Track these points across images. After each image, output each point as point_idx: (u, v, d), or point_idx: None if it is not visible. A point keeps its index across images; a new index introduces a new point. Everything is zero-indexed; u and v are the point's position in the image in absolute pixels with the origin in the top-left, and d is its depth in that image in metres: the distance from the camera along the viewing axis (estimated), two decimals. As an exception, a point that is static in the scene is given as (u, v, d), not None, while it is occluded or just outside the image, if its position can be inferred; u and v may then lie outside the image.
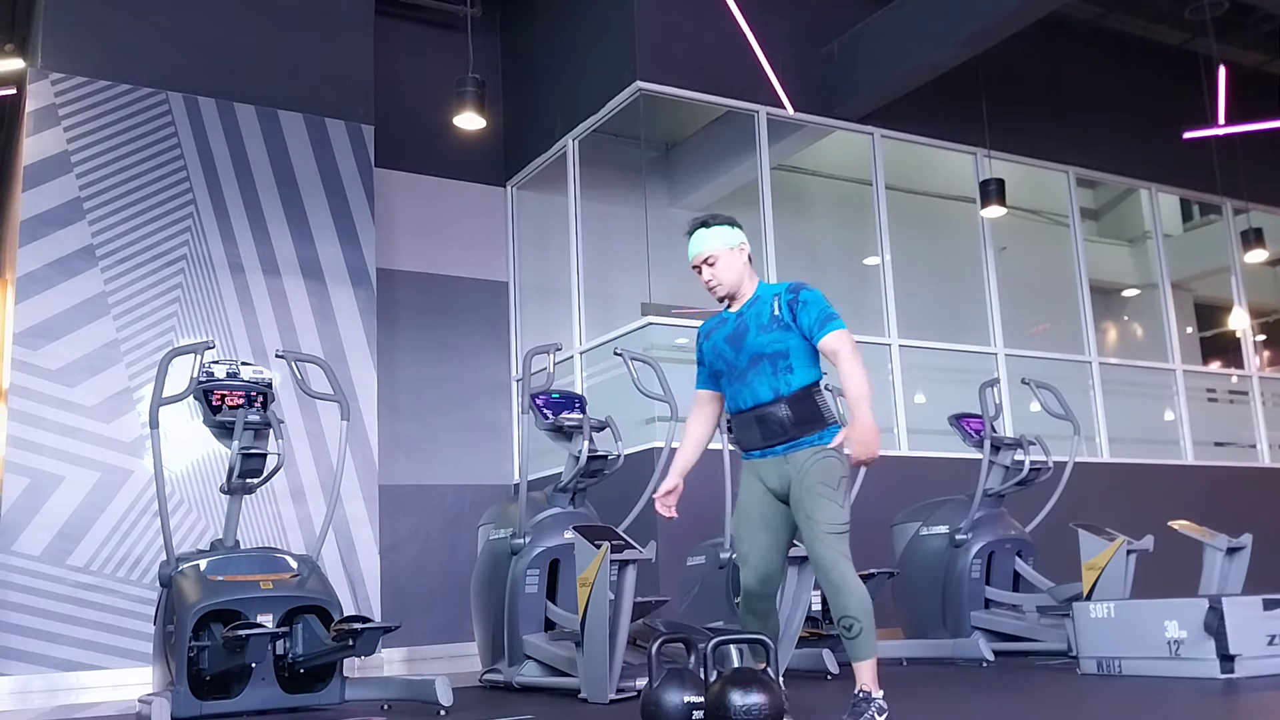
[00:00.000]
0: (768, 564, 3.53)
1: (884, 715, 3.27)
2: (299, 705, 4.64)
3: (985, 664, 5.84)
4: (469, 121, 7.49)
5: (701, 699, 3.27)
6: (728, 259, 3.55)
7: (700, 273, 3.59)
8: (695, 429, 3.70)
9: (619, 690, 4.54)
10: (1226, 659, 4.49)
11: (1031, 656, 6.01)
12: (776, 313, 3.47)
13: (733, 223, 3.61)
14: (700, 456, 3.69)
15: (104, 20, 7.12)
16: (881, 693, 3.31)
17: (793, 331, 3.46)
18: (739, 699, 3.13)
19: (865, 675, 3.31)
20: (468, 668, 6.43)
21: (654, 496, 3.61)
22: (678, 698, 3.36)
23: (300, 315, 7.31)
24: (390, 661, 7.51)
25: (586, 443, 5.34)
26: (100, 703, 5.84)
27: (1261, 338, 11.95)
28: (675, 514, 3.60)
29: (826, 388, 3.65)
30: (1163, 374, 9.99)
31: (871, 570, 5.50)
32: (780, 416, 3.45)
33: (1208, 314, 11.76)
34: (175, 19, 7.34)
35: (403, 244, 8.65)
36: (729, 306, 3.62)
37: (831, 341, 3.41)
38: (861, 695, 3.29)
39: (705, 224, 3.60)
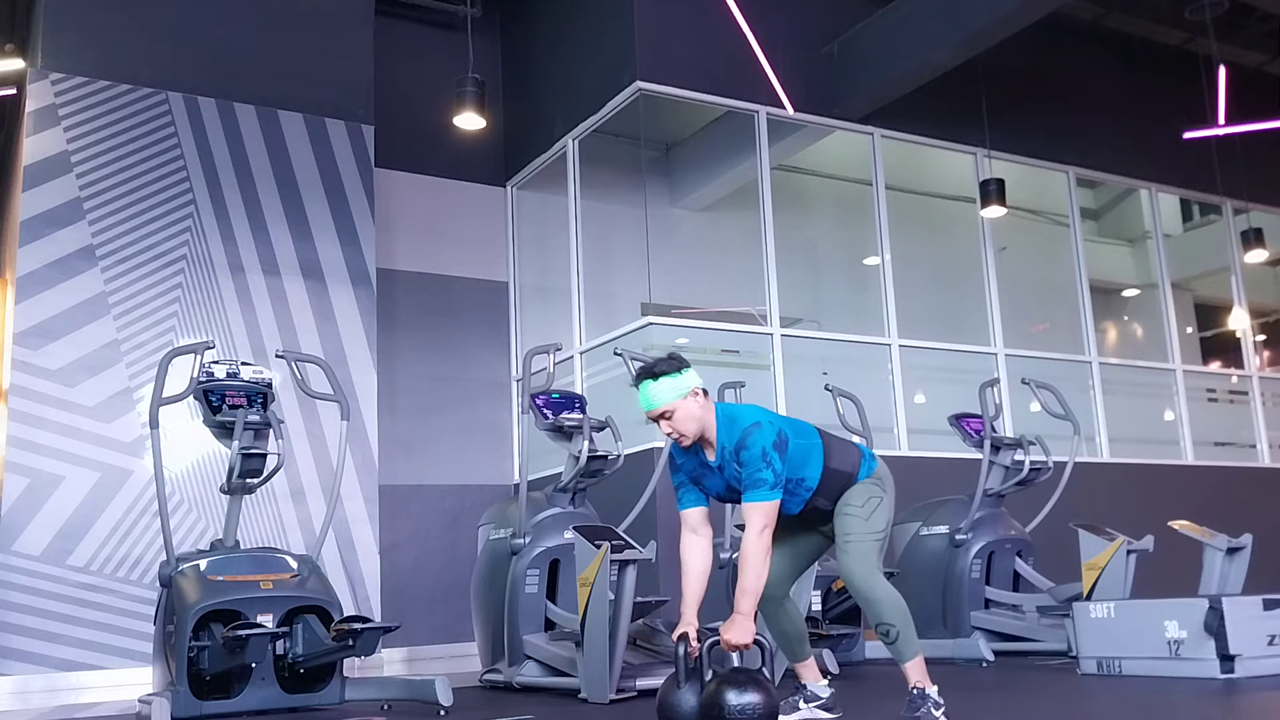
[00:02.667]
0: (778, 575, 3.58)
1: (940, 710, 3.30)
2: (299, 705, 4.64)
3: (985, 664, 5.84)
4: (469, 121, 7.48)
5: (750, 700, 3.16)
6: (684, 408, 3.37)
7: (659, 424, 3.43)
8: (694, 560, 3.50)
9: (619, 690, 4.54)
10: (1226, 659, 4.49)
11: (1031, 656, 6.01)
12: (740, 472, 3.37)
13: (679, 367, 3.40)
14: (706, 576, 3.49)
15: (104, 20, 7.12)
16: (936, 688, 3.35)
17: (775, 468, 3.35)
18: (734, 698, 3.13)
19: (915, 674, 3.37)
20: (468, 668, 6.43)
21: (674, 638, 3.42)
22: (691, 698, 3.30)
23: (300, 315, 7.31)
24: (390, 661, 7.51)
25: (586, 443, 5.34)
26: (100, 703, 5.84)
27: (1261, 338, 11.95)
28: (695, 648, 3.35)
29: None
30: (1163, 374, 9.99)
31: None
32: (822, 509, 3.50)
33: (1208, 314, 11.75)
34: (175, 19, 7.34)
35: (403, 244, 8.65)
36: (701, 451, 3.49)
37: (745, 510, 3.34)
38: (916, 692, 3.35)
39: (653, 374, 3.40)
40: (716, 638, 3.33)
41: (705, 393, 3.44)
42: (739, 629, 3.26)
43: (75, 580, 6.37)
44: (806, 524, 3.59)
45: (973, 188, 9.10)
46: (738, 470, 3.36)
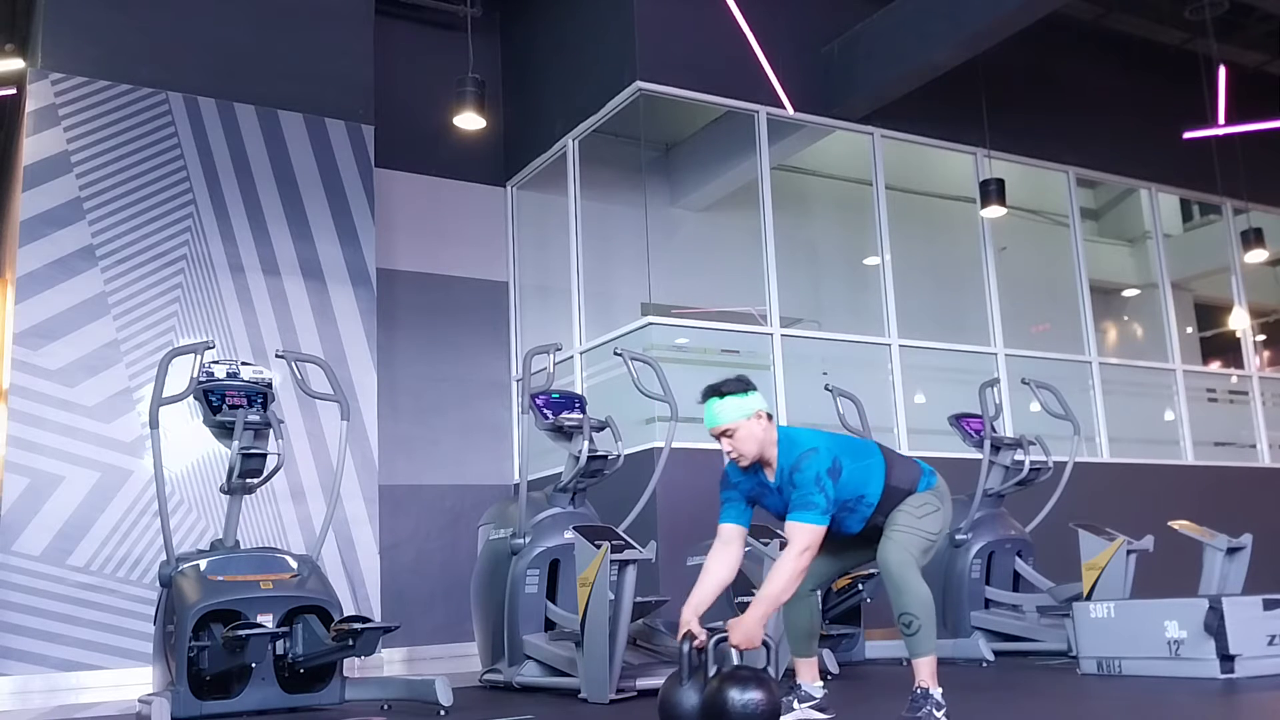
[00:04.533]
0: (818, 564, 3.57)
1: (942, 710, 3.31)
2: (299, 705, 4.63)
3: (985, 664, 5.84)
4: (469, 121, 7.49)
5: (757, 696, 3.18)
6: (746, 429, 3.45)
7: (720, 441, 3.51)
8: (718, 569, 3.49)
9: (619, 690, 4.54)
10: (1226, 659, 4.50)
11: (1031, 656, 6.01)
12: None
13: (746, 388, 3.49)
14: (722, 588, 3.50)
15: (104, 20, 7.12)
16: (940, 690, 3.35)
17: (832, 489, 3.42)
18: (737, 695, 3.13)
19: (924, 672, 3.39)
20: (468, 668, 6.43)
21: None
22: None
23: (300, 315, 7.31)
24: (390, 661, 7.51)
25: (586, 443, 5.34)
26: (100, 703, 5.83)
27: (1261, 338, 11.95)
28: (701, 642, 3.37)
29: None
30: (1163, 374, 9.99)
31: (872, 570, 5.50)
32: (881, 526, 3.54)
33: (1208, 314, 11.75)
34: (175, 19, 7.34)
35: (403, 244, 8.64)
36: (761, 472, 3.55)
37: (789, 528, 3.39)
38: (920, 691, 3.36)
39: (720, 393, 3.48)
40: (723, 635, 3.33)
41: (770, 416, 3.51)
42: (748, 632, 3.28)
43: (75, 580, 6.37)
44: (862, 538, 3.63)
45: (973, 188, 9.10)
46: (793, 491, 3.42)
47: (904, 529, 3.49)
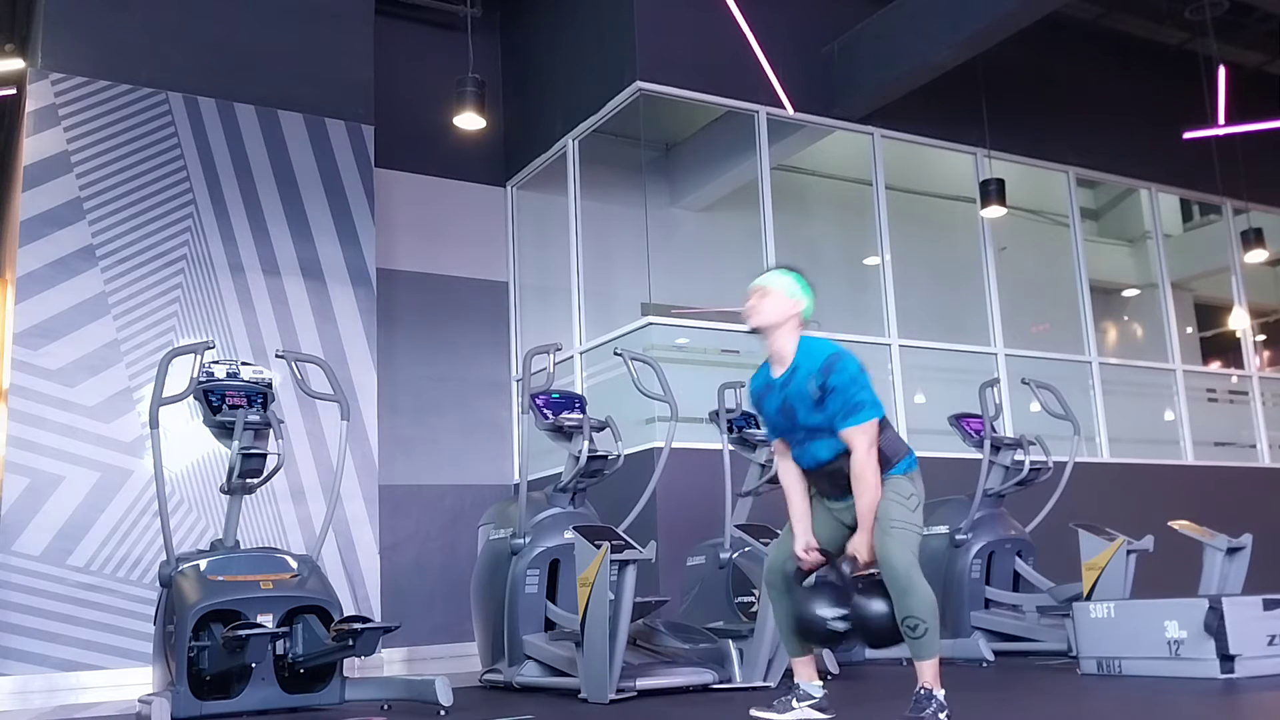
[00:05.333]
0: (792, 563, 3.64)
1: (945, 712, 3.30)
2: (299, 705, 4.63)
3: (985, 664, 5.84)
4: (469, 121, 7.49)
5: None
6: (778, 302, 3.60)
7: (749, 298, 3.64)
8: (793, 479, 3.69)
9: (619, 690, 4.54)
10: (1226, 659, 4.49)
11: (1031, 656, 6.01)
12: (815, 395, 3.50)
13: (805, 289, 3.66)
14: (807, 491, 3.69)
15: (104, 20, 7.12)
16: (943, 691, 3.35)
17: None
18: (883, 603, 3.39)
19: (927, 674, 3.38)
20: (468, 668, 6.43)
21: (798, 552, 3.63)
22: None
23: (300, 315, 7.31)
24: (390, 661, 7.51)
25: (586, 443, 5.33)
26: (100, 703, 5.84)
27: (1261, 338, 11.95)
28: (817, 557, 3.61)
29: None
30: (1163, 374, 9.99)
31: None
32: (847, 471, 3.53)
33: (1208, 314, 11.76)
34: (175, 19, 7.34)
35: (403, 244, 8.65)
36: (771, 363, 3.67)
37: (848, 435, 3.47)
38: (923, 692, 3.36)
39: (787, 269, 3.71)
40: (851, 556, 3.49)
41: (805, 324, 3.65)
42: (867, 545, 3.46)
43: (75, 580, 6.37)
44: (829, 517, 3.63)
45: (973, 188, 9.11)
46: (807, 391, 3.49)
47: (902, 524, 3.46)
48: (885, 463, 3.52)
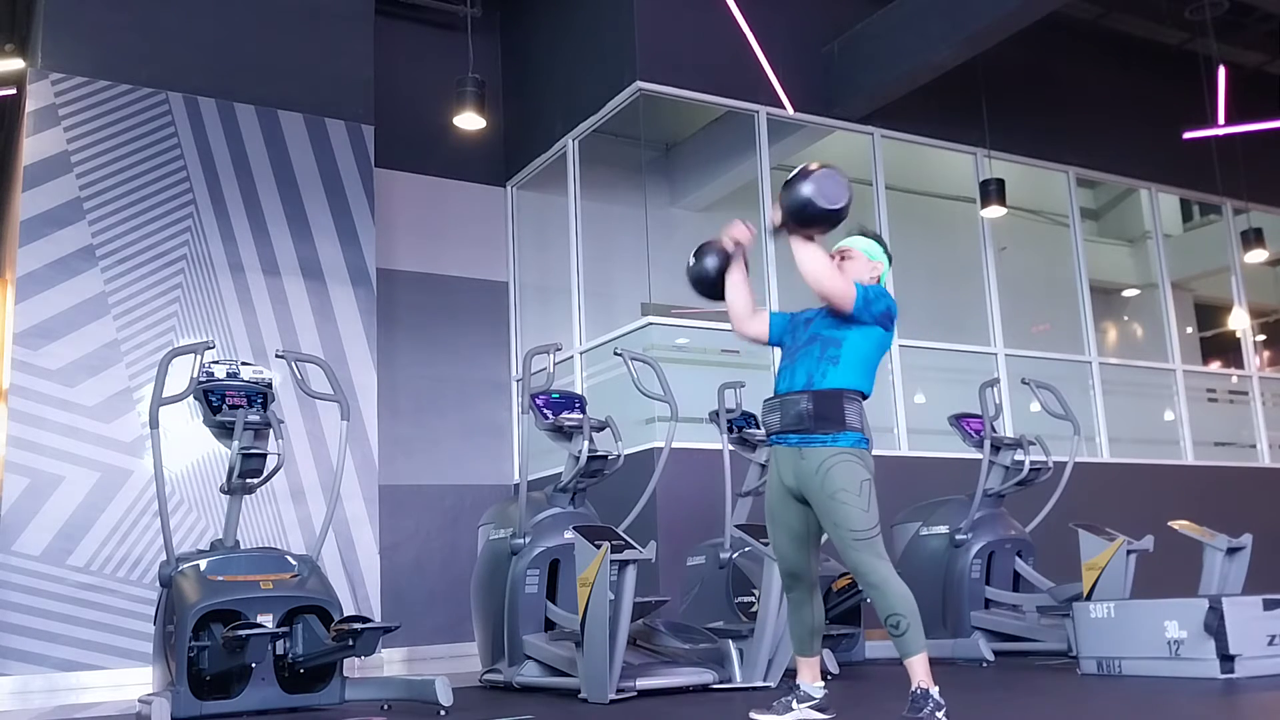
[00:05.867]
0: (793, 563, 3.65)
1: (942, 710, 3.30)
2: (299, 705, 4.63)
3: (985, 664, 5.84)
4: (469, 121, 7.49)
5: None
6: (860, 263, 3.71)
7: (832, 258, 3.71)
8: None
9: (619, 690, 4.54)
10: (1226, 659, 4.49)
11: (1031, 656, 6.00)
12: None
13: (881, 251, 3.77)
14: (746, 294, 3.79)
15: (104, 20, 7.12)
16: (938, 689, 3.34)
17: (854, 327, 3.54)
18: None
19: (919, 672, 3.36)
20: (468, 668, 6.43)
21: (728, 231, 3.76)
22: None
23: (300, 315, 7.31)
24: (390, 661, 7.51)
25: (586, 443, 5.33)
26: (100, 703, 5.83)
27: (1261, 338, 11.95)
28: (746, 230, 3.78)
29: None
30: (1163, 374, 9.99)
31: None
32: (801, 407, 3.50)
33: (1208, 314, 11.76)
34: (175, 19, 7.34)
35: (403, 244, 8.65)
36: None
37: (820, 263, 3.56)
38: (919, 692, 3.34)
39: (867, 234, 3.80)
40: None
41: (878, 280, 3.73)
42: (744, 230, 3.75)
43: (75, 580, 6.37)
44: (789, 504, 3.60)
45: (973, 188, 9.10)
46: (834, 317, 3.57)
47: (864, 532, 3.40)
48: (840, 425, 3.49)
